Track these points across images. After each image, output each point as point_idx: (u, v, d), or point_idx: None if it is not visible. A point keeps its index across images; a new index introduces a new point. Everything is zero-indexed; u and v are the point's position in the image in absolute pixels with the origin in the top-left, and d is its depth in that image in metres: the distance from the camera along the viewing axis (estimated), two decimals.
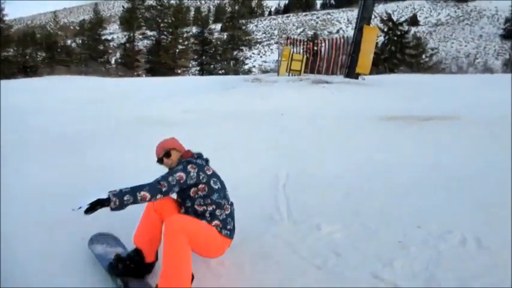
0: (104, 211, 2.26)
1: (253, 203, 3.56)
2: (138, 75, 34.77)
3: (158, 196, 2.34)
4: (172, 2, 41.79)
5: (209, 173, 2.53)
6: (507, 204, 3.25)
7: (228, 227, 2.52)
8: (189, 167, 2.44)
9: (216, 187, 2.51)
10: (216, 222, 2.47)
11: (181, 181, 2.40)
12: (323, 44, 14.14)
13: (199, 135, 5.35)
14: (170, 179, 2.38)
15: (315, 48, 14.71)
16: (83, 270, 2.64)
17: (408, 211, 3.36)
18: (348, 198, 3.70)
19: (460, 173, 4.05)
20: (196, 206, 2.49)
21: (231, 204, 2.62)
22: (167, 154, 2.65)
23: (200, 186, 2.47)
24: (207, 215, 2.47)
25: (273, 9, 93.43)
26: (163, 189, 2.34)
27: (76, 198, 2.27)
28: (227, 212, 2.53)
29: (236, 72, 33.15)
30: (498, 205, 3.29)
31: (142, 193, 2.28)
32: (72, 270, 2.62)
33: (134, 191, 2.28)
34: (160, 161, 2.69)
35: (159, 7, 39.23)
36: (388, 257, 2.65)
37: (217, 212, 2.48)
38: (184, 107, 7.95)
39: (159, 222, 2.47)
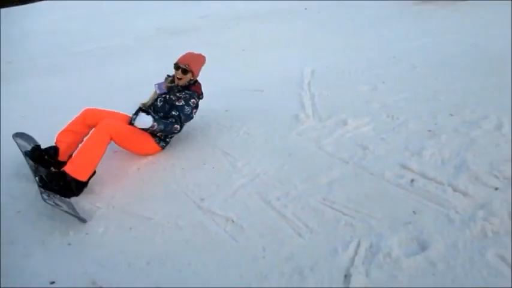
0: None
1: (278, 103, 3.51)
2: None
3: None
4: None
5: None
6: None
7: (167, 140, 2.94)
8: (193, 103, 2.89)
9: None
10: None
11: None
12: None
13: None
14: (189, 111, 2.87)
15: None
16: None
17: (441, 98, 3.20)
18: (375, 90, 3.55)
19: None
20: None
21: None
22: (185, 71, 2.89)
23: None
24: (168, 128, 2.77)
25: None
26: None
27: None
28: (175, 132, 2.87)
29: None
30: None
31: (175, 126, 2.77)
32: None
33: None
34: (178, 68, 2.87)
35: None
36: (417, 146, 2.58)
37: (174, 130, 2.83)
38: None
39: (85, 131, 2.75)
